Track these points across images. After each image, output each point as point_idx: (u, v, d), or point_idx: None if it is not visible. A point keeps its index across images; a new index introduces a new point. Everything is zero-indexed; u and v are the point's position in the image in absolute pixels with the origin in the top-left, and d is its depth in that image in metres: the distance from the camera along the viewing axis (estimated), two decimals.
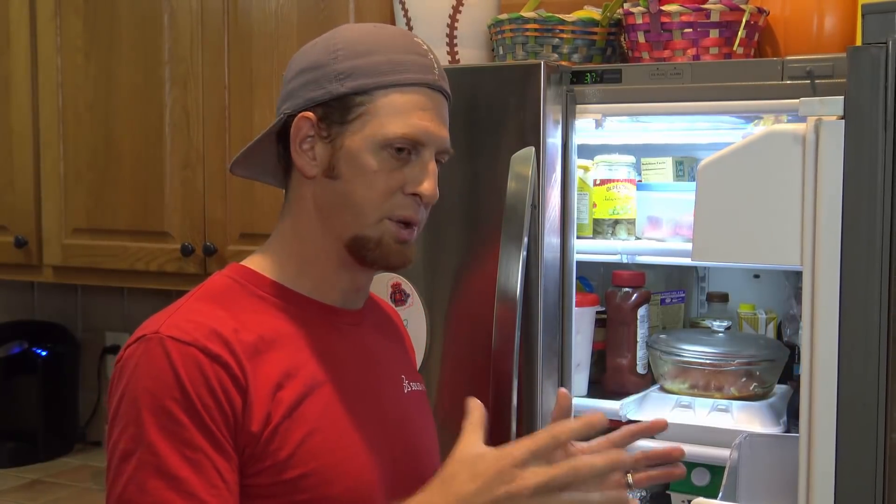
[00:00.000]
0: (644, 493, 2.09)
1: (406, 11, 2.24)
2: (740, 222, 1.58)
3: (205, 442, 1.14)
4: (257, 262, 1.32)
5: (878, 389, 1.45)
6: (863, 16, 1.46)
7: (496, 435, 1.85)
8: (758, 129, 2.01)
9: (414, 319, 2.01)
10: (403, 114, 1.23)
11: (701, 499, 1.62)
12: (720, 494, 1.74)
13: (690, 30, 1.95)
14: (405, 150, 1.24)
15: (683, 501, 2.07)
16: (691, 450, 2.00)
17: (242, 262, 1.33)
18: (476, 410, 1.15)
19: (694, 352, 2.06)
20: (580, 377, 2.07)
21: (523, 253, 1.86)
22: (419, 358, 1.96)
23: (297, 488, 1.19)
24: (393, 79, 1.24)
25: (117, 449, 1.16)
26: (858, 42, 1.88)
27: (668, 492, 2.11)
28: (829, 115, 1.48)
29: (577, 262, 2.00)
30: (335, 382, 1.26)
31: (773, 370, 2.07)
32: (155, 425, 1.13)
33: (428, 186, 1.24)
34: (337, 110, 1.25)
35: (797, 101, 1.77)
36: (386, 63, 1.24)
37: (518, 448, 1.08)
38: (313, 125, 1.25)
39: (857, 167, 1.45)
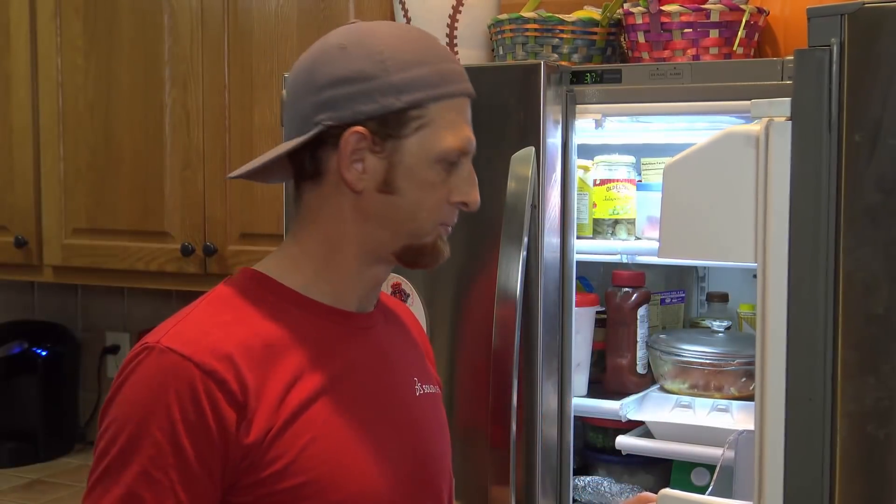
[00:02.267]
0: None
1: (406, 11, 2.24)
2: (702, 221, 1.62)
3: (174, 463, 1.14)
4: (271, 267, 1.30)
5: (825, 386, 1.48)
6: (808, 19, 1.48)
7: (496, 435, 1.86)
8: None
9: None
10: (456, 126, 1.25)
11: (666, 490, 1.63)
12: (709, 490, 1.74)
13: (690, 30, 1.95)
14: (455, 161, 1.26)
15: None
16: (691, 450, 2.00)
17: (255, 267, 1.31)
18: None
19: (694, 352, 2.06)
20: (580, 377, 2.07)
21: (523, 253, 1.86)
22: None
23: (297, 496, 1.18)
24: (443, 91, 1.24)
25: (96, 450, 1.18)
26: None
27: None
28: (779, 116, 1.51)
29: (577, 262, 2.00)
30: (344, 388, 1.25)
31: None
32: (131, 437, 1.15)
33: (475, 196, 1.28)
34: (392, 124, 1.22)
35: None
36: (435, 75, 1.24)
37: None
38: (365, 139, 1.22)
39: (803, 167, 1.49)
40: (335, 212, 1.26)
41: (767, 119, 1.53)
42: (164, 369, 1.16)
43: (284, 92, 1.34)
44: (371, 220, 1.25)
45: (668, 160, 2.23)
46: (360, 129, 1.22)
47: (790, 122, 1.49)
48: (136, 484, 1.14)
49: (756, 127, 1.55)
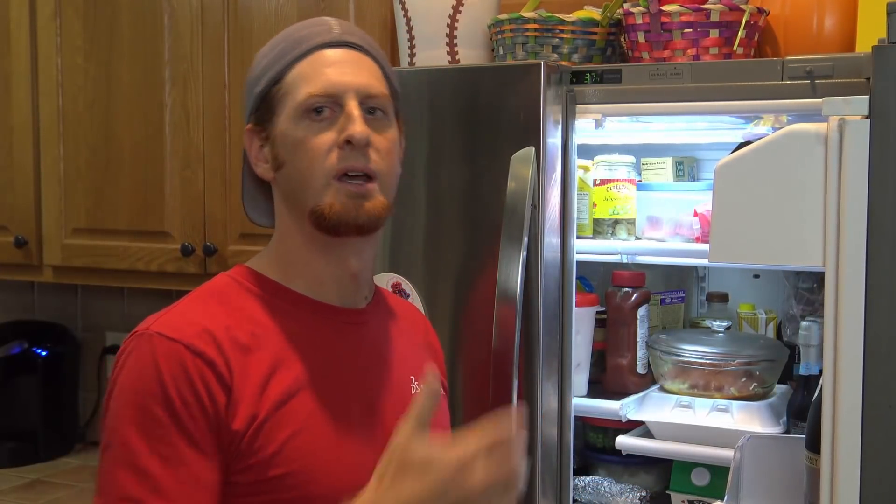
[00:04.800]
0: (644, 493, 2.09)
1: (406, 11, 2.24)
2: (759, 223, 1.55)
3: (180, 439, 1.15)
4: (257, 263, 1.33)
5: None
6: (888, 14, 1.43)
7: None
8: (758, 129, 2.01)
9: None
10: (309, 77, 1.26)
11: None
12: (726, 496, 1.74)
13: (690, 30, 1.95)
14: (324, 108, 1.25)
15: (683, 501, 2.07)
16: (691, 450, 2.00)
17: (247, 263, 1.34)
18: (427, 397, 1.05)
19: (694, 352, 2.06)
20: (580, 377, 2.07)
21: (523, 253, 1.86)
22: None
23: (281, 486, 1.19)
24: (294, 55, 1.28)
25: (102, 440, 1.20)
26: (858, 42, 1.88)
27: (668, 492, 2.11)
28: (853, 115, 1.46)
29: (577, 262, 2.00)
30: (328, 381, 1.26)
31: (773, 370, 2.07)
32: (133, 420, 1.16)
33: (354, 128, 1.23)
34: (264, 109, 1.29)
35: (797, 101, 1.78)
36: (287, 46, 1.29)
37: (466, 449, 1.02)
38: (253, 132, 1.31)
39: (882, 167, 1.42)
40: (278, 207, 1.33)
41: (838, 118, 1.47)
42: (155, 353, 1.18)
43: None
44: (287, 201, 1.29)
45: (668, 160, 2.25)
46: (248, 126, 1.32)
47: (867, 120, 1.43)
48: (148, 464, 1.14)
49: (821, 126, 1.50)
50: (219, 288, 1.30)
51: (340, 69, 1.26)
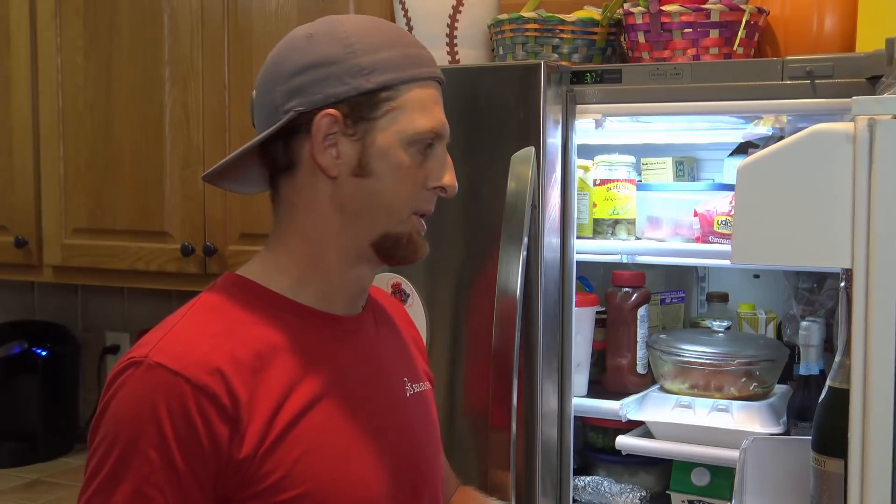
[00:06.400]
0: (644, 493, 2.09)
1: (406, 11, 2.24)
2: (783, 223, 1.54)
3: (167, 479, 1.13)
4: (255, 271, 1.27)
5: None
6: None
7: (496, 435, 1.86)
8: (758, 129, 2.01)
9: (414, 319, 2.00)
10: (427, 108, 1.24)
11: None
12: (733, 500, 1.74)
13: (690, 30, 1.95)
14: (429, 144, 1.24)
15: (683, 501, 2.07)
16: (691, 450, 2.00)
17: (238, 272, 1.28)
18: None
19: (694, 352, 2.06)
20: (580, 377, 2.07)
21: (523, 253, 1.86)
22: None
23: None
24: (412, 73, 1.23)
25: (88, 467, 1.16)
26: (858, 42, 1.88)
27: (668, 492, 2.11)
28: (883, 115, 1.46)
29: (577, 262, 2.00)
30: (337, 395, 1.23)
31: (773, 370, 2.07)
32: (123, 455, 1.13)
33: (450, 179, 1.26)
34: (364, 106, 1.20)
35: (797, 101, 1.78)
36: (403, 58, 1.23)
37: None
38: (337, 122, 1.20)
39: None
40: (312, 203, 1.24)
41: (867, 117, 1.47)
42: (153, 385, 1.13)
43: (254, 91, 1.29)
44: (347, 209, 1.23)
45: (668, 160, 2.25)
46: (332, 111, 1.20)
47: None
48: (130, 502, 1.12)
49: (848, 125, 1.50)
50: (217, 304, 1.24)
51: (441, 109, 1.27)
